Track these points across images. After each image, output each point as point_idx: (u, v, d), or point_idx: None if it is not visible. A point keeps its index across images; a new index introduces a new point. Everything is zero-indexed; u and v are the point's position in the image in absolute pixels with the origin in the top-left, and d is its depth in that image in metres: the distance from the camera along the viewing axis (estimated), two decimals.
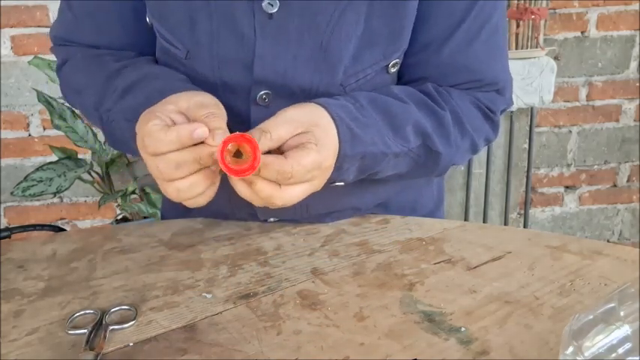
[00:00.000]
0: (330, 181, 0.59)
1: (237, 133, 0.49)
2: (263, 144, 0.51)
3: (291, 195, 0.53)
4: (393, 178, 0.68)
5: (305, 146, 0.52)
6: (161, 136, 0.50)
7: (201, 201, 0.54)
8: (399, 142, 0.62)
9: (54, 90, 1.51)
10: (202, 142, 0.51)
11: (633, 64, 1.98)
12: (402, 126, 0.62)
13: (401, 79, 0.70)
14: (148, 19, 0.68)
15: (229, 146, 0.49)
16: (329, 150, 0.54)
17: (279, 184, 0.52)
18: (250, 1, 0.60)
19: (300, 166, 0.51)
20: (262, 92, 0.63)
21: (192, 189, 0.52)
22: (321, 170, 0.53)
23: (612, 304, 0.36)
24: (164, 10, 0.64)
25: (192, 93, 0.57)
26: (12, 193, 1.47)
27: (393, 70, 0.66)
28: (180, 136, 0.50)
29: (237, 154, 0.49)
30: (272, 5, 0.59)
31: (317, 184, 0.55)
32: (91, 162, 1.56)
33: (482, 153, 1.92)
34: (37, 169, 1.49)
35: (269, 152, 0.52)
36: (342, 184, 0.62)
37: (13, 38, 1.71)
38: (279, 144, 0.53)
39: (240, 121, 0.66)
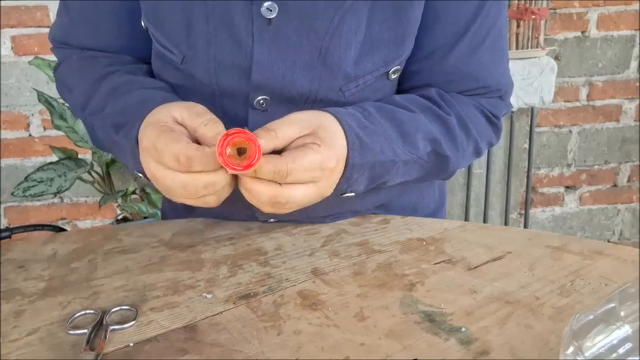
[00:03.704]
0: (341, 192, 0.59)
1: (236, 128, 0.48)
2: (268, 142, 0.50)
3: (295, 194, 0.52)
4: (402, 184, 0.68)
5: (306, 146, 0.52)
6: (193, 153, 0.50)
7: (211, 201, 0.54)
8: (407, 150, 0.61)
9: (54, 90, 1.51)
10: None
11: (633, 64, 1.98)
12: (410, 133, 0.61)
13: (403, 85, 0.70)
14: (143, 23, 0.68)
15: (229, 150, 0.48)
16: (331, 151, 0.53)
17: (279, 184, 0.51)
18: (249, 2, 0.59)
19: (296, 164, 0.50)
20: (260, 97, 0.63)
21: (208, 187, 0.52)
22: (322, 171, 0.52)
23: (613, 304, 0.36)
24: (159, 14, 0.63)
25: (184, 103, 0.56)
26: (13, 194, 1.47)
27: (393, 76, 0.66)
28: (214, 156, 0.50)
29: (240, 152, 0.49)
30: (271, 10, 0.59)
31: (322, 186, 0.54)
32: (91, 162, 1.56)
33: None
34: (38, 170, 1.49)
35: (274, 152, 0.52)
36: (352, 194, 0.61)
37: (13, 38, 1.71)
38: (285, 142, 0.52)
39: (237, 126, 0.65)
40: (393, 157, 0.60)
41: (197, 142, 0.53)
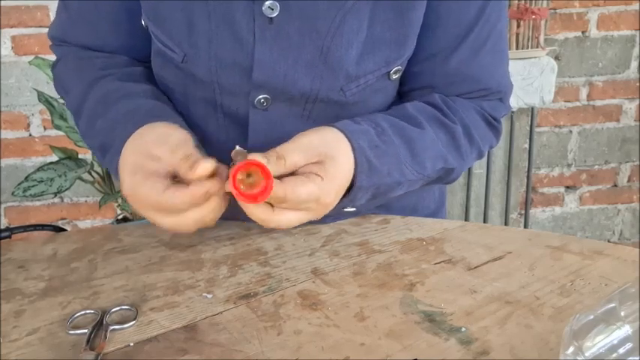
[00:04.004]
0: (342, 207, 0.59)
1: (248, 160, 0.49)
2: (277, 170, 0.51)
3: (286, 219, 0.53)
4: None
5: (308, 176, 0.52)
6: (172, 200, 0.50)
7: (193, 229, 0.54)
8: (415, 170, 0.62)
9: (54, 90, 1.51)
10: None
11: (634, 64, 1.98)
12: (419, 153, 0.62)
13: (404, 86, 0.70)
14: (143, 22, 0.67)
15: (240, 175, 0.49)
16: (331, 185, 0.54)
17: (272, 207, 0.52)
18: (250, 1, 0.59)
19: (294, 194, 0.51)
20: (261, 96, 0.63)
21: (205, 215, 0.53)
22: (318, 204, 0.53)
23: (613, 304, 0.36)
24: (160, 13, 0.63)
25: (163, 134, 0.55)
26: (13, 194, 1.47)
27: (394, 76, 0.66)
28: (194, 198, 0.50)
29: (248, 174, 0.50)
30: (272, 9, 0.59)
31: (314, 214, 0.55)
32: (91, 162, 1.56)
33: None
34: (38, 170, 1.49)
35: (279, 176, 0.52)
36: (353, 209, 0.61)
37: (13, 38, 1.71)
38: (292, 170, 0.53)
39: (238, 125, 0.66)
40: (399, 179, 0.61)
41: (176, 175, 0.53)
